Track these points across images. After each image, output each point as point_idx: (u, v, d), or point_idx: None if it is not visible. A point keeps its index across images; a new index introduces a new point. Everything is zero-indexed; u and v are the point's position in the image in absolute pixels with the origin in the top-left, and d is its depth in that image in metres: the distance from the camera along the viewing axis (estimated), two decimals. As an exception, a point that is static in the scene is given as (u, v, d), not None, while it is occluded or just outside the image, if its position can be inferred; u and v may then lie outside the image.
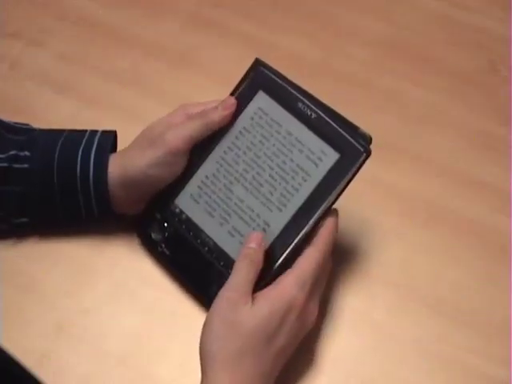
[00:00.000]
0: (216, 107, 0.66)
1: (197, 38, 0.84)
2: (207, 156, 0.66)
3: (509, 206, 0.72)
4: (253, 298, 0.58)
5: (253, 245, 0.61)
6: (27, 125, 0.70)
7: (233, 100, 0.66)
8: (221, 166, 0.66)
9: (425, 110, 0.79)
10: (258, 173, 0.64)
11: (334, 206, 0.62)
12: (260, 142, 0.65)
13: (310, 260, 0.60)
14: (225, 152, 0.66)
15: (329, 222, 0.62)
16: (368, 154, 0.62)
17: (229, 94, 0.67)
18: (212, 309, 0.58)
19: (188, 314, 0.66)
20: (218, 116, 0.65)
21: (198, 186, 0.66)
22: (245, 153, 0.65)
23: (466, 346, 0.65)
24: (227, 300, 0.58)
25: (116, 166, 0.65)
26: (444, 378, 0.63)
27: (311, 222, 0.61)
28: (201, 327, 0.60)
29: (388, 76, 0.81)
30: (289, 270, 0.60)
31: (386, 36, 0.84)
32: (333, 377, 0.63)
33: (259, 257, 0.60)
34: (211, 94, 0.79)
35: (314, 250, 0.61)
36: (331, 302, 0.66)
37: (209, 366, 0.56)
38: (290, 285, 0.59)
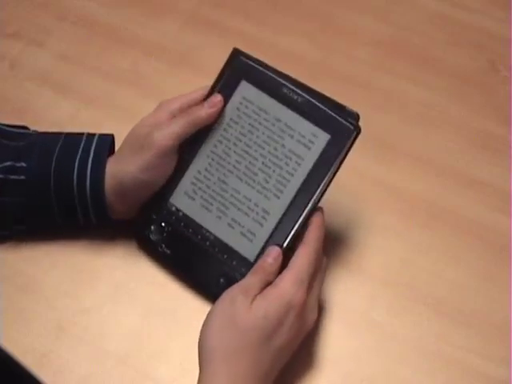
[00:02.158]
0: (202, 104, 0.65)
1: (197, 38, 0.84)
2: (197, 152, 0.66)
3: (509, 206, 0.72)
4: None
5: (270, 260, 0.61)
6: (24, 127, 0.70)
7: (219, 97, 0.65)
8: (212, 159, 0.65)
9: (425, 110, 0.79)
10: (250, 162, 0.64)
11: (322, 204, 0.62)
12: (249, 131, 0.65)
13: (303, 258, 0.60)
14: (215, 146, 0.65)
15: (315, 219, 0.63)
16: (358, 131, 0.62)
17: (210, 86, 0.66)
18: (214, 305, 0.59)
19: (188, 314, 0.66)
20: (204, 113, 0.65)
21: (192, 183, 0.66)
22: (235, 144, 0.65)
23: (466, 346, 0.65)
24: (230, 298, 0.58)
25: (110, 177, 0.65)
26: (444, 378, 0.63)
27: (311, 203, 0.62)
28: (201, 327, 0.60)
29: (388, 76, 0.81)
30: (285, 271, 0.60)
31: (385, 36, 0.84)
32: (332, 377, 0.63)
33: (273, 271, 0.61)
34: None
35: (306, 248, 0.61)
36: (331, 301, 0.66)
37: (207, 360, 0.57)
38: (288, 284, 0.59)
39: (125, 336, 0.65)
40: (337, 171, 0.62)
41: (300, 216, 0.62)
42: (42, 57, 0.83)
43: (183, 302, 0.66)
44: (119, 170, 0.65)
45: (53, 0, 0.88)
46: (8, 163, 0.65)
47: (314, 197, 0.62)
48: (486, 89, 0.80)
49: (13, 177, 0.65)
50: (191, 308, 0.66)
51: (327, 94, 0.64)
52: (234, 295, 0.58)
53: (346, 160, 0.65)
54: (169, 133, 0.64)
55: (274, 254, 0.61)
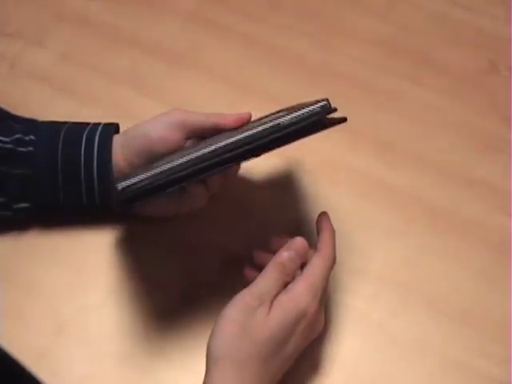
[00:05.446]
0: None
1: (197, 38, 0.84)
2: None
3: (509, 206, 0.72)
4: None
5: (292, 253, 0.59)
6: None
7: (248, 116, 0.65)
8: None
9: (425, 110, 0.79)
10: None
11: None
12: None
13: (318, 267, 0.60)
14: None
15: (326, 225, 0.62)
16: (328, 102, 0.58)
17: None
18: (228, 309, 0.57)
19: (189, 314, 0.66)
20: (225, 116, 0.65)
21: None
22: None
23: (466, 346, 0.65)
24: (246, 305, 0.57)
25: (118, 144, 0.66)
26: (444, 378, 0.63)
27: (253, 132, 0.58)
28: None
29: (388, 76, 0.81)
30: (299, 278, 0.59)
31: (386, 36, 0.84)
32: (333, 377, 0.63)
33: (294, 269, 0.59)
34: (211, 93, 0.80)
35: (321, 257, 0.60)
36: (332, 302, 0.66)
37: (215, 365, 0.56)
38: (304, 293, 0.58)
39: (125, 336, 0.65)
40: (300, 129, 0.58)
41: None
42: (42, 56, 0.83)
43: (184, 302, 0.66)
44: (129, 129, 0.66)
45: (53, 0, 0.88)
46: (18, 135, 0.67)
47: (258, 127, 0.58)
48: (486, 89, 0.80)
49: (21, 149, 0.66)
50: (192, 308, 0.66)
51: (328, 95, 0.63)
52: (249, 303, 0.57)
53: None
54: (187, 111, 0.65)
55: (298, 246, 0.60)
